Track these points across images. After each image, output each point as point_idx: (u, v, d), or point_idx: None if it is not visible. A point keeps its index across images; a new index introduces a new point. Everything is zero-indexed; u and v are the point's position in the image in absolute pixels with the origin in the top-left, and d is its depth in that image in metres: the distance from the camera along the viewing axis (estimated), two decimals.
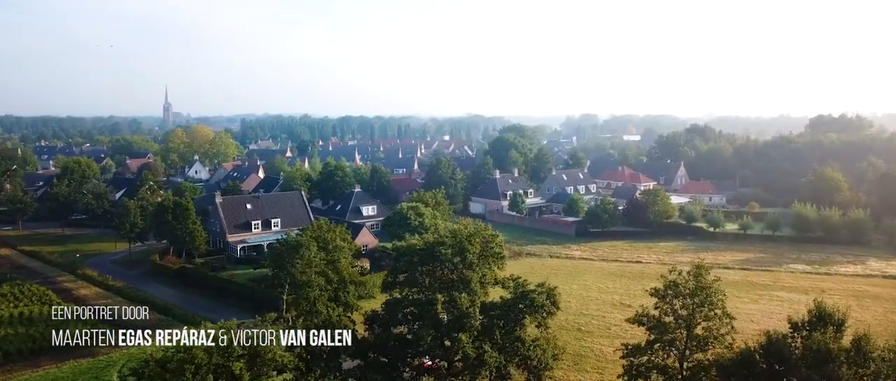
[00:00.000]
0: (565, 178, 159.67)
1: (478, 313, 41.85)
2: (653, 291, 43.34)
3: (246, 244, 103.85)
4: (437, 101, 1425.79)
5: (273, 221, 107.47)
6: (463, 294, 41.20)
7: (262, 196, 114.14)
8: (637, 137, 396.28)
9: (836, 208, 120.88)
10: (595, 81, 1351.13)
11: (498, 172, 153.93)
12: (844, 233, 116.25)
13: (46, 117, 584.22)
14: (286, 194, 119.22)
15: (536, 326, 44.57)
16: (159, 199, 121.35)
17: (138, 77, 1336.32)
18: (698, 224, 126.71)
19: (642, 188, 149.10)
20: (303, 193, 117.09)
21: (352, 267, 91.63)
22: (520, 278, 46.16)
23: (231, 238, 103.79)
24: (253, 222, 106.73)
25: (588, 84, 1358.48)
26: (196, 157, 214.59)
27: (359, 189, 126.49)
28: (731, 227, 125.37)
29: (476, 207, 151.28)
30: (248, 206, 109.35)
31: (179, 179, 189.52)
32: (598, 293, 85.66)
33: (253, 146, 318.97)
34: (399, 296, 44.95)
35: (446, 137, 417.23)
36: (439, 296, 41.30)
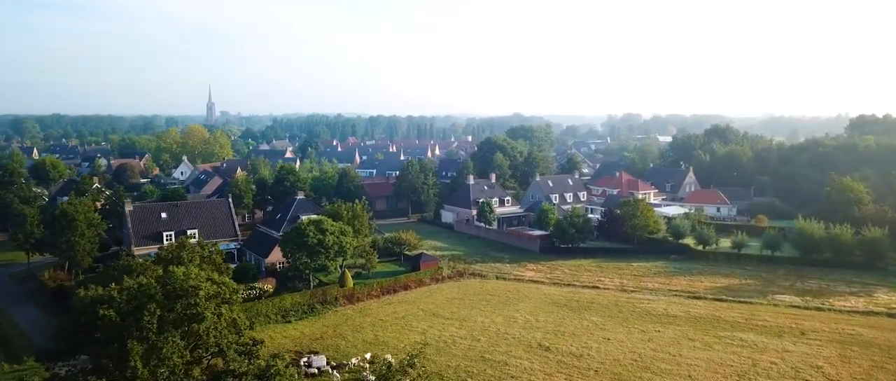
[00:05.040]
0: (551, 184, 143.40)
1: None
2: None
3: (151, 258, 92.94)
4: (485, 101, 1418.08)
5: (190, 232, 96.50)
6: None
7: (182, 204, 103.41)
8: (669, 138, 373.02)
9: (850, 224, 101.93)
10: (644, 79, 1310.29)
11: (471, 177, 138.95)
12: (857, 255, 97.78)
13: (88, 117, 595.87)
14: (210, 201, 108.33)
15: None
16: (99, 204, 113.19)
17: (189, 78, 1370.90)
18: (687, 241, 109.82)
19: (639, 197, 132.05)
20: (230, 201, 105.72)
21: (251, 289, 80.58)
22: (259, 343, 32.50)
23: (137, 251, 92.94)
24: (165, 233, 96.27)
25: (636, 82, 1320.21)
26: (184, 157, 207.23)
27: (302, 196, 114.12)
28: (725, 244, 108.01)
29: (447, 216, 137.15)
30: (163, 215, 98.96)
31: (159, 181, 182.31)
32: (521, 329, 70.70)
33: (264, 146, 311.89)
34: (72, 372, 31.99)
35: (469, 138, 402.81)
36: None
